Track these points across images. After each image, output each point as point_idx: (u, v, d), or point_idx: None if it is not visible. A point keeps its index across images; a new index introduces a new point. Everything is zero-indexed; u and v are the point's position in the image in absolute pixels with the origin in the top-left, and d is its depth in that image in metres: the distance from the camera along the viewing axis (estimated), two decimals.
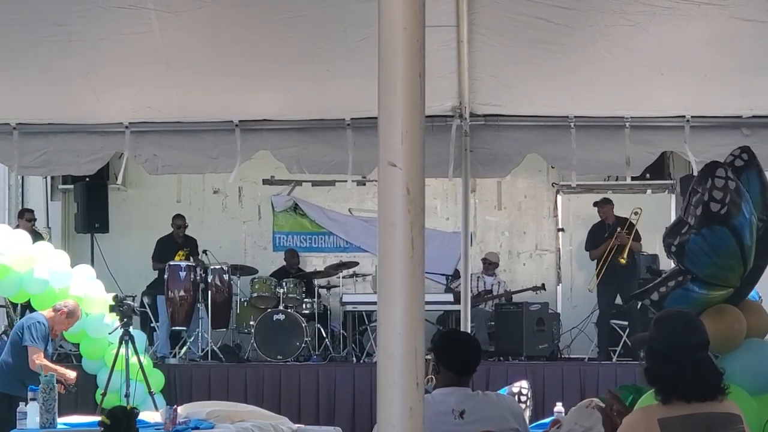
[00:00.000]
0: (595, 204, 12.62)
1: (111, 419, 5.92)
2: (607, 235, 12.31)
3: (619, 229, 12.24)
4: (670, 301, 5.07)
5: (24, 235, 10.06)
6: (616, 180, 12.97)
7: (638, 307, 11.23)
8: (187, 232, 12.84)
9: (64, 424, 7.54)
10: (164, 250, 12.51)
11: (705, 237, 4.91)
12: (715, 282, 5.03)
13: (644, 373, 3.91)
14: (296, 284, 12.33)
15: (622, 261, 12.08)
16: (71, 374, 8.68)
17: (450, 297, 11.98)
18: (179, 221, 12.76)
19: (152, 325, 12.32)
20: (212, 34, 6.39)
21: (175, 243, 12.56)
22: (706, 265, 4.97)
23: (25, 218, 12.15)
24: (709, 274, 4.99)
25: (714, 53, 6.60)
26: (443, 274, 13.12)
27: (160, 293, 12.06)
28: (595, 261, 12.49)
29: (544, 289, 13.10)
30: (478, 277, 12.90)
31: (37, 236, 11.54)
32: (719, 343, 4.94)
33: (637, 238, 12.23)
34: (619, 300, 12.35)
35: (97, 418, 7.81)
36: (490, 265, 13.16)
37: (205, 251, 12.28)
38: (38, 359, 8.42)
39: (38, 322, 8.66)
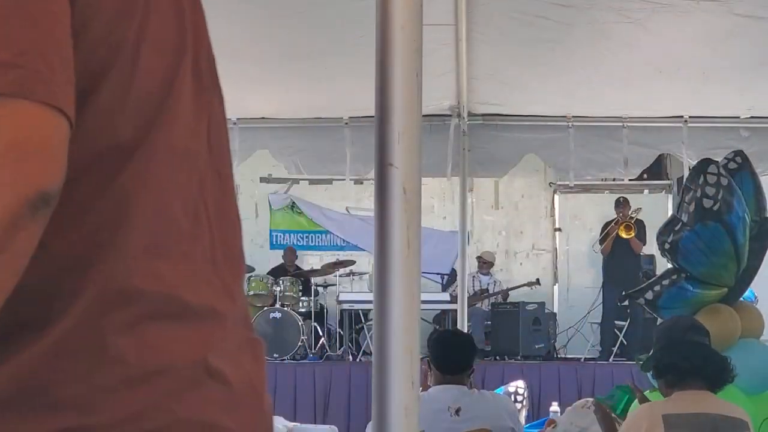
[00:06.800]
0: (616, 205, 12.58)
1: None
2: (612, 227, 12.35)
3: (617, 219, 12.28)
4: (665, 300, 5.08)
5: None
6: (614, 180, 12.98)
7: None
8: None
9: None
10: None
11: (698, 233, 4.93)
12: (710, 281, 5.04)
13: (653, 372, 3.98)
14: (293, 282, 12.33)
15: (624, 234, 12.05)
16: None
17: (446, 296, 11.98)
18: None
19: None
20: (210, 30, 6.38)
21: None
22: (701, 263, 4.98)
23: None
24: (703, 273, 5.01)
25: (713, 50, 6.60)
26: (440, 273, 13.12)
27: None
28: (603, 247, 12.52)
29: (539, 284, 13.12)
30: (474, 276, 12.90)
31: None
32: (714, 342, 4.95)
33: (641, 237, 12.19)
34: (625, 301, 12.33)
35: None
36: (485, 264, 13.16)
37: None
38: None
39: None
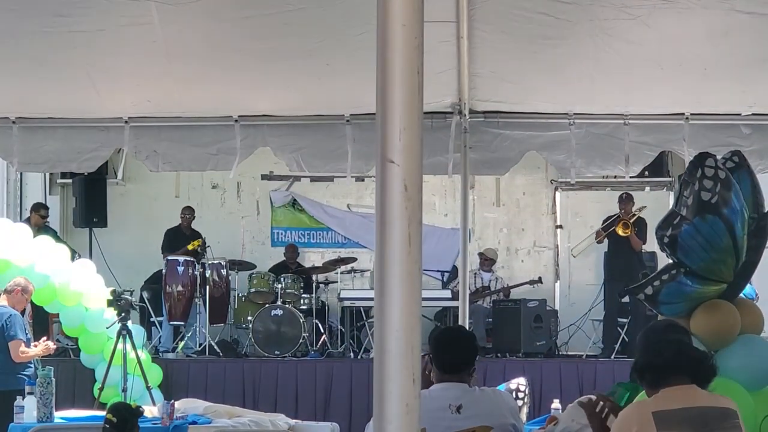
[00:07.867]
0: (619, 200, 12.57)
1: (118, 417, 5.88)
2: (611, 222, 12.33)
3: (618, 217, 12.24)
4: (664, 295, 5.07)
5: (25, 230, 10.04)
6: (615, 178, 12.96)
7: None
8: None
9: (62, 418, 7.55)
10: (173, 241, 12.52)
11: (697, 227, 4.92)
12: (709, 276, 5.03)
13: (635, 376, 3.99)
14: (294, 280, 12.33)
15: (620, 232, 12.04)
16: (50, 346, 8.85)
17: (448, 293, 11.98)
18: (188, 212, 12.81)
19: (151, 319, 12.32)
20: (212, 27, 6.38)
21: (183, 234, 12.58)
22: (700, 257, 4.97)
23: (39, 213, 12.06)
24: (702, 267, 4.99)
25: (714, 47, 6.60)
26: (441, 271, 13.10)
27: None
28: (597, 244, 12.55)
29: (541, 282, 13.11)
30: (475, 273, 12.88)
31: (48, 232, 11.46)
32: (713, 338, 4.96)
33: (642, 236, 12.17)
34: (626, 299, 12.31)
35: (95, 413, 7.83)
36: (486, 260, 13.14)
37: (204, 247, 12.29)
38: (22, 351, 8.52)
39: (10, 315, 8.68)
